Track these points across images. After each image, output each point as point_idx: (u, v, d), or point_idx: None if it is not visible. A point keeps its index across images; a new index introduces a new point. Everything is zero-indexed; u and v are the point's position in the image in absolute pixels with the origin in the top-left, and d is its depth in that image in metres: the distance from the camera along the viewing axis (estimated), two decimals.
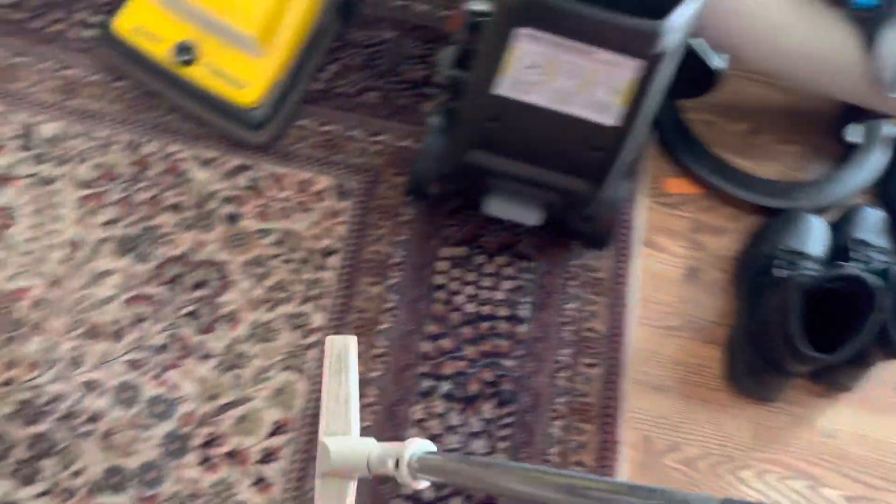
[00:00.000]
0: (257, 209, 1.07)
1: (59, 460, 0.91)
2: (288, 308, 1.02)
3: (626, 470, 0.97)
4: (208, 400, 0.96)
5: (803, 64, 0.96)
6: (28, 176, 1.05)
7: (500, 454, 0.97)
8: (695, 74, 0.96)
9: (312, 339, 1.00)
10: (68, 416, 0.93)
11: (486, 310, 1.04)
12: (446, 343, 1.02)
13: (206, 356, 0.98)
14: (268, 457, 0.94)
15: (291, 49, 1.08)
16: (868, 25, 0.86)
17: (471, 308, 1.05)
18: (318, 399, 0.87)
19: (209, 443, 0.94)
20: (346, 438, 0.79)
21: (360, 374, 0.99)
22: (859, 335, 0.83)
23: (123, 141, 1.09)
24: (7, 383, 0.94)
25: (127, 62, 1.08)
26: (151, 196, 1.06)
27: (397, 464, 0.68)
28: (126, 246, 1.02)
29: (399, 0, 1.23)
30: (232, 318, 1.00)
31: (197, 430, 0.94)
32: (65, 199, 1.04)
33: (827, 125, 1.18)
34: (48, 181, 1.05)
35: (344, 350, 0.85)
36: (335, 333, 1.00)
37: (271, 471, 0.93)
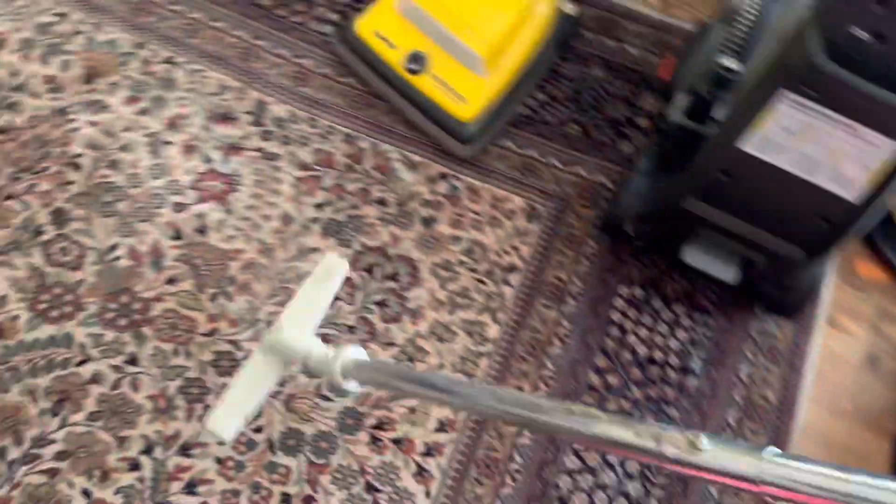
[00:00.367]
0: (453, 216, 1.12)
1: None
2: (467, 314, 1.06)
3: None
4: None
5: None
6: (256, 150, 1.15)
7: (653, 500, 0.97)
8: None
9: (485, 348, 1.04)
10: None
11: (657, 355, 1.05)
12: (613, 380, 1.04)
13: (390, 344, 1.04)
14: (431, 451, 0.98)
15: (512, 74, 1.14)
16: None
17: (643, 350, 1.06)
18: None
19: (380, 426, 0.99)
20: (301, 330, 0.85)
21: (527, 391, 1.02)
22: None
23: (342, 133, 1.17)
24: (210, 333, 1.02)
25: (360, 61, 1.17)
26: (361, 188, 1.13)
27: (334, 364, 0.75)
28: (332, 229, 1.10)
29: (612, 41, 1.27)
30: (416, 314, 1.06)
31: (372, 412, 0.99)
32: (284, 177, 1.13)
33: None
34: (272, 157, 1.14)
35: (334, 268, 0.92)
36: (508, 347, 1.04)
37: (432, 465, 0.97)
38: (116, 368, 0.99)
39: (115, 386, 0.98)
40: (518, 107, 1.19)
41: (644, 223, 1.04)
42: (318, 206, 1.12)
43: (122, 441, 0.95)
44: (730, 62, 0.85)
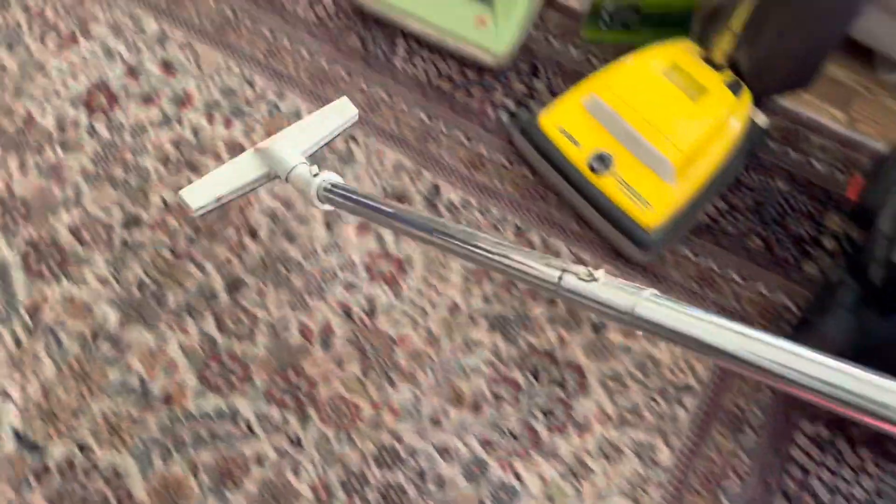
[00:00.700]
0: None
1: None
2: (637, 434, 1.01)
3: None
4: (547, 502, 0.96)
5: None
6: None
7: None
8: None
9: (655, 474, 0.98)
10: (420, 474, 0.97)
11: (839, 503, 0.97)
12: None
13: (553, 456, 0.99)
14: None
15: (700, 183, 1.10)
16: None
17: (825, 496, 0.98)
18: None
19: None
20: (293, 147, 0.90)
21: None
22: None
23: (513, 224, 1.15)
24: (376, 424, 1.00)
25: (540, 155, 1.15)
26: None
27: (312, 184, 0.82)
28: (498, 323, 1.07)
29: (797, 153, 1.22)
30: (582, 426, 1.01)
31: None
32: (453, 265, 1.11)
33: None
34: None
35: (345, 110, 0.99)
36: (681, 476, 0.98)
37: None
38: (279, 450, 0.97)
39: (278, 469, 0.96)
40: (700, 214, 1.15)
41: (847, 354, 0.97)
42: (486, 299, 1.09)
43: None
44: None
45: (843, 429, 1.02)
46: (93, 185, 1.12)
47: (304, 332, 1.05)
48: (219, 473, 0.96)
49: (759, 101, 1.14)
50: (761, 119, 1.15)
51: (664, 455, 1.00)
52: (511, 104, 1.25)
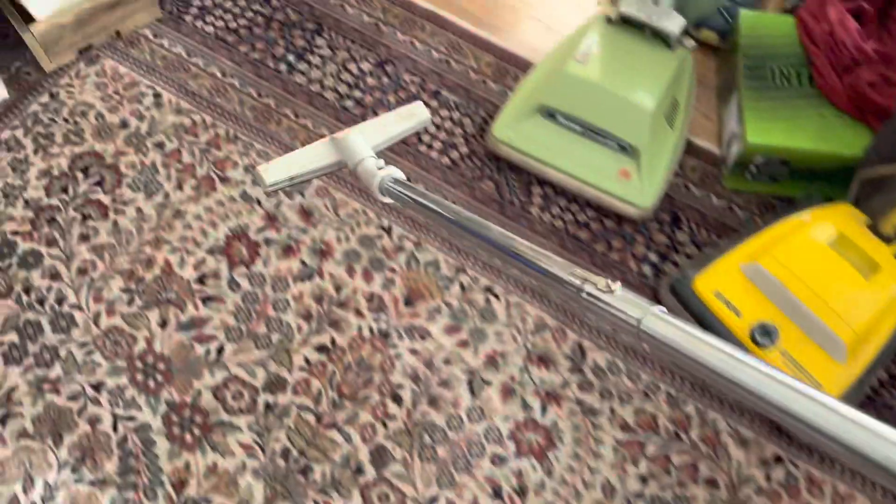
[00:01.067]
0: None
1: None
2: None
3: None
4: None
5: None
6: (575, 401, 1.09)
7: None
8: None
9: None
10: None
11: None
12: None
13: None
14: None
15: (869, 359, 1.04)
16: None
17: None
18: None
19: None
20: (365, 144, 0.94)
21: None
22: None
23: (665, 392, 1.10)
24: None
25: (695, 319, 1.10)
26: (688, 462, 1.04)
27: (376, 177, 0.86)
28: None
29: None
30: None
31: None
32: (604, 437, 1.06)
33: None
34: (592, 412, 1.08)
35: (419, 113, 1.02)
36: None
37: None
38: None
39: None
40: (866, 388, 1.08)
41: None
42: (642, 479, 1.03)
43: None
44: None
45: None
46: (235, 342, 1.10)
47: None
48: None
49: None
50: None
51: None
52: (654, 257, 1.21)
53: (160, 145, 1.27)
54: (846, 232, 1.07)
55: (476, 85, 1.38)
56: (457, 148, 1.31)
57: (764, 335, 1.04)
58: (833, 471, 1.05)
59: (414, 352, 1.11)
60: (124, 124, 1.28)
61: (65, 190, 1.21)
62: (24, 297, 1.11)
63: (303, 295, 1.15)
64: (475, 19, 1.46)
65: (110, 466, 1.00)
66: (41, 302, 1.11)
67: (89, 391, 1.05)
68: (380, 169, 0.88)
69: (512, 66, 1.41)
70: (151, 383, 1.07)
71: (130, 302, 1.12)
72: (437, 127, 1.32)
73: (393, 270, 1.18)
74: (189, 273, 1.15)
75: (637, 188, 1.19)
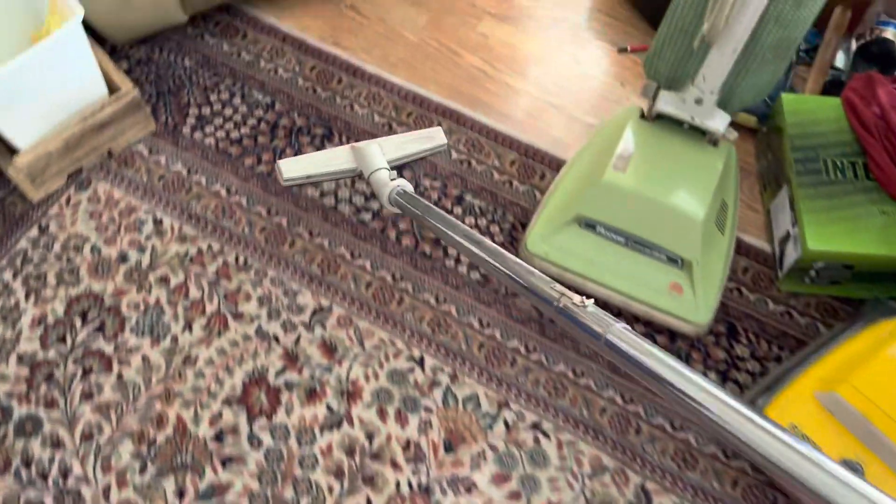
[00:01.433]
0: None
1: None
2: None
3: None
4: None
5: None
6: None
7: None
8: None
9: None
10: None
11: None
12: None
13: None
14: None
15: None
16: None
17: None
18: None
19: None
20: (382, 156, 1.01)
21: None
22: None
23: None
24: None
25: None
26: None
27: (387, 187, 0.93)
28: None
29: None
30: None
31: None
32: None
33: None
34: None
35: (436, 138, 1.10)
36: None
37: None
38: None
39: None
40: None
41: None
42: None
43: None
44: None
45: None
46: None
47: None
48: None
49: None
50: None
51: None
52: (714, 377, 1.11)
53: (164, 280, 1.16)
54: None
55: (501, 187, 1.28)
56: None
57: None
58: None
59: None
60: (123, 258, 1.17)
61: (62, 340, 1.10)
62: (24, 473, 1.00)
63: (332, 447, 1.03)
64: (491, 111, 1.37)
65: None
66: (44, 476, 1.00)
67: None
68: (392, 180, 0.93)
69: (538, 163, 1.31)
70: None
71: (143, 469, 1.01)
72: None
73: (429, 410, 1.07)
74: (205, 430, 1.04)
75: (691, 303, 1.09)
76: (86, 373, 1.07)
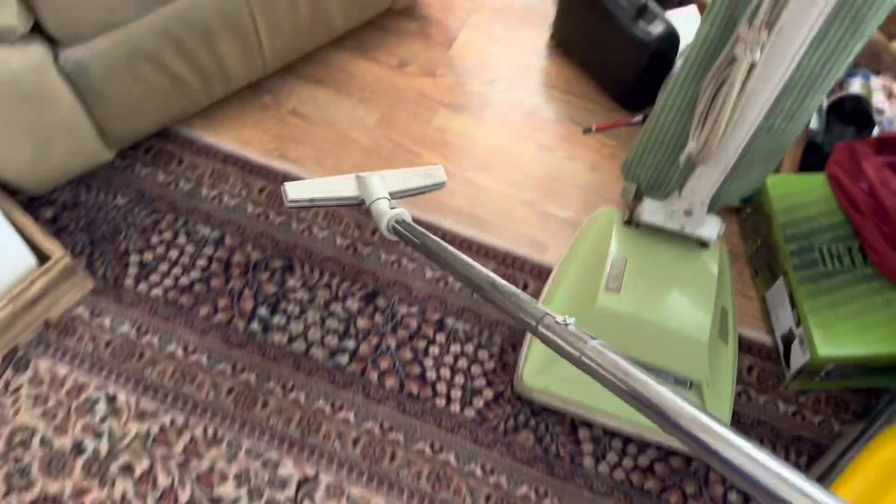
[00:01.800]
0: None
1: None
2: None
3: None
4: None
5: None
6: None
7: None
8: None
9: None
10: None
11: None
12: None
13: None
14: None
15: None
16: None
17: None
18: None
19: None
20: (384, 187, 1.03)
21: None
22: None
23: None
24: None
25: None
26: None
27: (386, 216, 0.93)
28: None
29: None
30: None
31: None
32: None
33: None
34: None
35: (436, 175, 1.11)
36: None
37: None
38: None
39: None
40: None
41: None
42: None
43: None
44: None
45: None
46: None
47: None
48: None
49: None
50: None
51: None
52: (735, 497, 1.04)
53: (128, 469, 1.03)
54: None
55: (484, 304, 1.19)
56: (480, 393, 1.11)
57: None
58: None
59: None
60: (79, 448, 1.04)
61: None
62: None
63: None
64: (460, 215, 1.27)
65: None
66: None
67: None
68: (392, 208, 0.95)
69: (518, 271, 1.22)
70: None
71: None
72: (451, 369, 1.13)
73: None
74: None
75: None
76: None
